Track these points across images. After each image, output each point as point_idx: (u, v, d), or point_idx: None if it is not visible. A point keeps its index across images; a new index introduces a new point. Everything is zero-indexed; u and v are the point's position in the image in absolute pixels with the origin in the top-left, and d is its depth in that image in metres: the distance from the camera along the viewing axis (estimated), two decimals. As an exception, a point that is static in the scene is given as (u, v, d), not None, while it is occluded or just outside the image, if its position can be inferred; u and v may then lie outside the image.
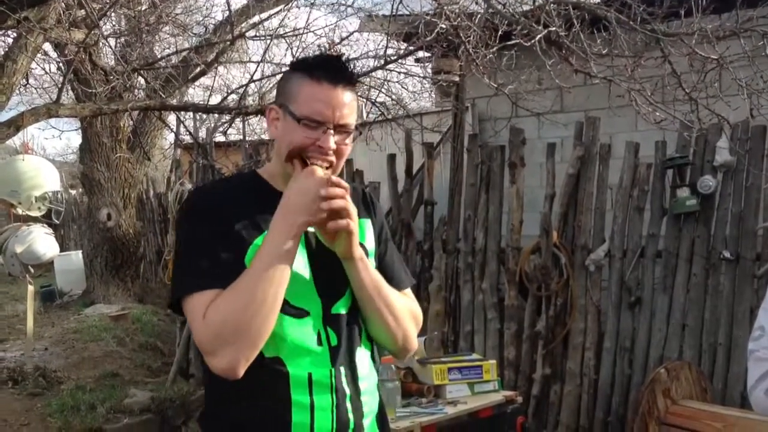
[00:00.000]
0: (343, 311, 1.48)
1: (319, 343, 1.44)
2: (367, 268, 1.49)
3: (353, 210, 1.42)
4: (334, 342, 1.46)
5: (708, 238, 4.27)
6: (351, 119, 1.47)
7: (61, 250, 9.62)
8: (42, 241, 7.30)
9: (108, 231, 7.82)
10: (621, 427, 4.38)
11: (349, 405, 1.45)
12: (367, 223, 1.59)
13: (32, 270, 7.20)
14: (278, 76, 6.16)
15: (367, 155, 6.69)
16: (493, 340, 4.97)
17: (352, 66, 1.53)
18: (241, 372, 1.34)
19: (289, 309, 1.41)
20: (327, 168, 1.43)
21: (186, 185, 6.36)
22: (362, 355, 1.51)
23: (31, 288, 6.49)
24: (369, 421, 1.50)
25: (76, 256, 9.37)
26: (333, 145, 1.43)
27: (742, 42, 3.31)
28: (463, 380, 3.40)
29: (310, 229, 1.47)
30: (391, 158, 5.74)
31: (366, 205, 1.61)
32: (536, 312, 4.77)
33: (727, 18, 3.48)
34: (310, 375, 1.42)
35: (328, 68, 1.46)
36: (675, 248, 4.37)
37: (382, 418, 1.57)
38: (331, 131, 1.43)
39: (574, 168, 4.71)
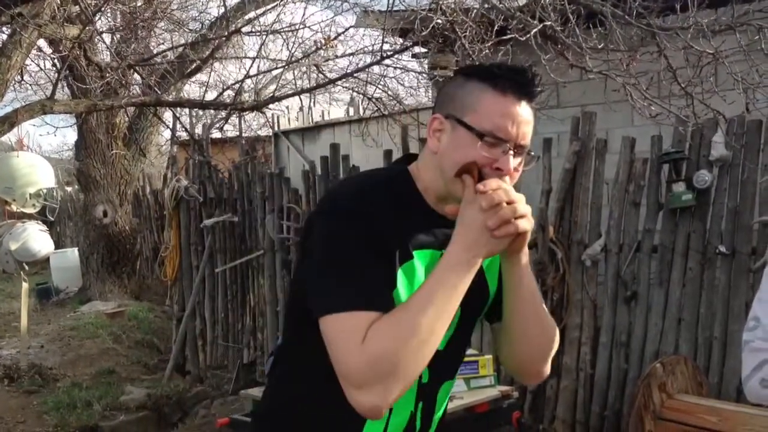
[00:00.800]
0: (441, 347, 1.30)
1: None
2: (530, 270, 1.34)
3: (527, 210, 1.24)
4: (425, 379, 1.34)
5: (704, 233, 4.28)
6: (528, 142, 1.30)
7: (57, 248, 9.61)
8: (37, 238, 7.30)
9: (104, 228, 7.82)
10: (617, 422, 4.38)
11: None
12: None
13: (27, 267, 7.20)
14: (274, 72, 6.16)
15: (364, 151, 6.69)
16: (489, 335, 4.98)
17: (538, 80, 1.33)
18: (383, 415, 1.20)
19: None
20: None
21: (182, 182, 6.35)
22: (444, 390, 1.42)
23: (25, 285, 6.48)
24: None
25: (72, 254, 9.36)
26: (512, 168, 1.27)
27: (737, 36, 3.31)
28: (459, 375, 3.40)
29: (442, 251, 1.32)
30: (388, 154, 5.73)
31: None
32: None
33: (722, 12, 3.48)
34: (390, 410, 1.30)
35: (515, 79, 1.28)
36: (671, 243, 4.37)
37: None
38: (512, 152, 1.27)
39: (571, 163, 4.71)
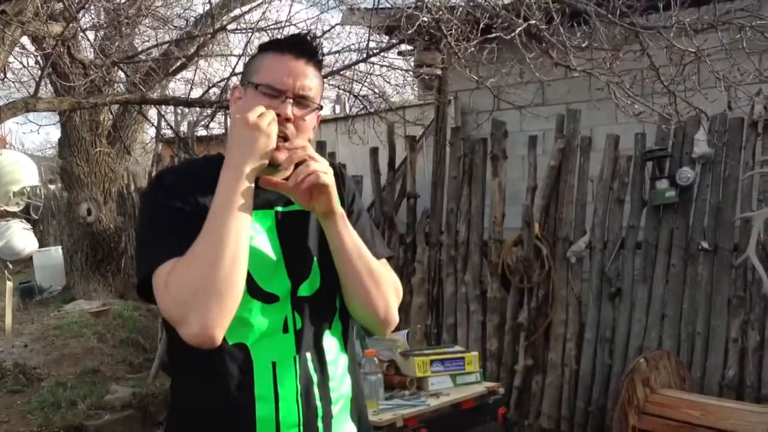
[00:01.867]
0: (307, 293, 1.42)
1: (285, 329, 1.39)
2: (348, 227, 1.41)
3: (321, 160, 1.35)
4: (299, 326, 1.40)
5: (686, 229, 4.33)
6: (313, 93, 1.43)
7: (41, 246, 9.52)
8: (20, 237, 7.23)
9: (88, 226, 7.76)
10: (601, 417, 4.43)
11: (316, 391, 1.41)
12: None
13: (11, 266, 7.13)
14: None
15: (350, 148, 6.69)
16: (475, 332, 5.00)
17: (319, 46, 1.47)
18: (218, 337, 1.26)
19: (259, 294, 1.37)
20: (284, 141, 1.37)
21: (167, 179, 6.30)
22: (330, 339, 1.46)
23: (9, 284, 6.43)
24: (339, 407, 1.45)
25: (56, 252, 9.28)
26: (290, 114, 1.38)
27: (719, 35, 3.35)
28: (446, 372, 3.42)
29: (279, 208, 1.44)
30: (374, 151, 5.74)
31: (335, 176, 1.48)
32: (518, 304, 4.81)
33: (705, 11, 3.51)
34: (274, 364, 1.37)
35: (293, 42, 1.44)
36: (654, 239, 4.42)
37: (357, 403, 1.52)
38: (290, 100, 1.39)
39: (556, 160, 4.74)
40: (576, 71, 3.56)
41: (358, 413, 1.52)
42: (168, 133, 7.62)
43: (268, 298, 1.38)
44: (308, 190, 1.35)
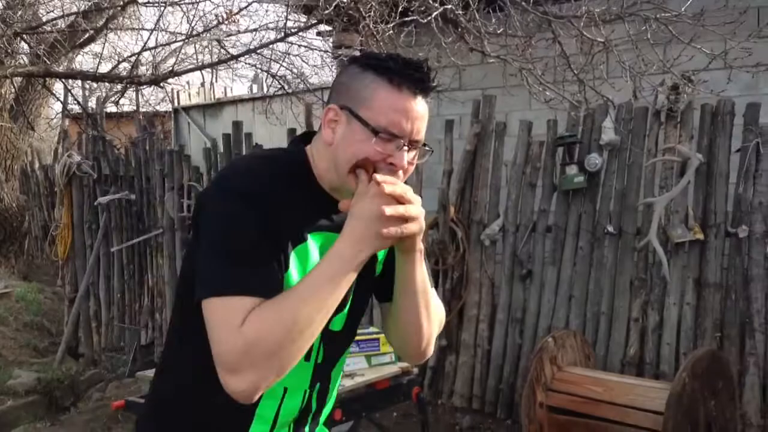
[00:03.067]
0: (337, 328, 1.36)
1: (308, 358, 1.33)
2: (422, 265, 1.33)
3: (419, 209, 1.26)
4: (320, 359, 1.36)
5: (594, 214, 4.49)
6: (422, 137, 1.31)
7: (-64, 226, 8.98)
8: None
9: (-12, 205, 7.37)
10: (511, 395, 4.57)
11: (310, 419, 1.41)
12: None
13: None
14: (173, 45, 5.96)
15: (267, 129, 6.60)
16: (390, 314, 5.05)
17: (434, 75, 1.32)
18: (256, 397, 1.18)
19: None
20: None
21: (74, 157, 6.07)
22: (338, 370, 1.44)
23: None
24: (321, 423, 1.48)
25: (-47, 232, 8.78)
26: (406, 164, 1.28)
27: (626, 26, 3.47)
28: (361, 353, 3.45)
29: None
30: (292, 132, 5.68)
31: None
32: (434, 285, 4.87)
33: (613, 2, 3.64)
34: (285, 390, 1.32)
35: (411, 74, 1.27)
36: (564, 223, 4.56)
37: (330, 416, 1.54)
38: (406, 147, 1.27)
39: (471, 145, 4.82)
40: (491, 57, 3.62)
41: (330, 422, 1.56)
42: (75, 108, 7.30)
43: None
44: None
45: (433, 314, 1.41)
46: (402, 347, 1.46)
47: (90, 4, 5.72)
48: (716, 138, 4.14)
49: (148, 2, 5.09)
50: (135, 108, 7.76)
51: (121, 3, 4.63)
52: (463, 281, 4.81)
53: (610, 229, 4.38)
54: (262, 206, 1.23)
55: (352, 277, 1.23)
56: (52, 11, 6.16)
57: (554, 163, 4.61)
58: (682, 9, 3.46)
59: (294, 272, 1.27)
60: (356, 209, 1.23)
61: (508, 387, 4.61)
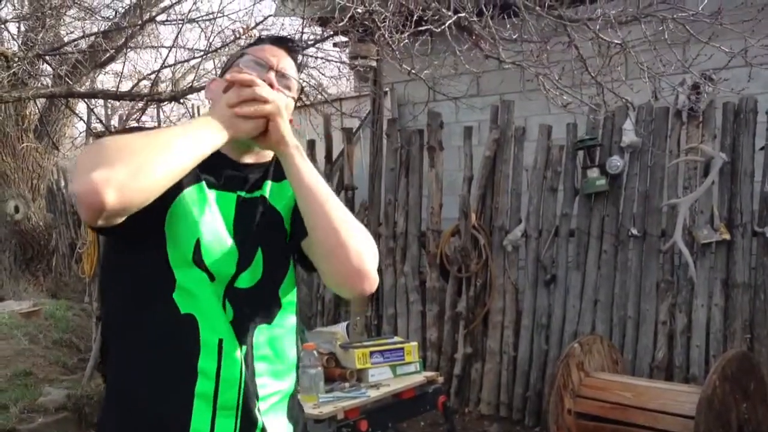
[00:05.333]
0: (246, 285, 1.37)
1: (223, 307, 1.35)
2: (306, 161, 1.35)
3: (268, 91, 1.32)
4: (231, 315, 1.36)
5: (617, 216, 4.45)
6: (292, 76, 1.44)
7: (-34, 246, 9.14)
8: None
9: (16, 224, 7.51)
10: (539, 401, 4.53)
11: (256, 382, 1.39)
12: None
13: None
14: (192, 62, 6.02)
15: (287, 141, 6.62)
16: (415, 323, 5.04)
17: (299, 45, 1.53)
18: (108, 200, 1.13)
19: (203, 266, 1.33)
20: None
21: (98, 175, 6.14)
22: (268, 334, 1.41)
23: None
24: (274, 402, 1.43)
25: (-17, 252, 8.93)
26: (276, 83, 1.38)
27: (643, 27, 3.45)
28: (385, 363, 3.44)
29: (242, 193, 1.40)
30: (311, 144, 5.71)
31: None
32: (457, 293, 4.86)
33: (629, 3, 3.61)
34: (221, 341, 1.33)
35: (274, 37, 1.50)
36: (586, 227, 4.53)
37: (293, 402, 1.49)
38: (274, 72, 1.40)
39: (491, 151, 4.81)
40: (506, 63, 3.61)
41: (294, 414, 1.49)
42: (98, 127, 7.41)
43: (210, 276, 1.34)
44: (260, 125, 1.32)
45: (348, 220, 1.35)
46: (334, 276, 1.38)
47: (110, 24, 5.81)
48: (739, 136, 4.09)
49: (167, 20, 5.15)
50: (156, 125, 7.85)
51: (140, 22, 4.69)
52: (487, 288, 4.79)
53: (634, 231, 4.34)
54: None
55: (199, 139, 1.26)
56: (73, 32, 6.27)
57: (575, 167, 4.59)
58: (700, 8, 3.42)
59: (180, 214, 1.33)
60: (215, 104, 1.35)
61: (536, 394, 4.57)
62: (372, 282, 1.35)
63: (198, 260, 1.32)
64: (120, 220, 1.21)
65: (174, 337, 1.33)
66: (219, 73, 1.55)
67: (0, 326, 6.59)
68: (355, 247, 1.32)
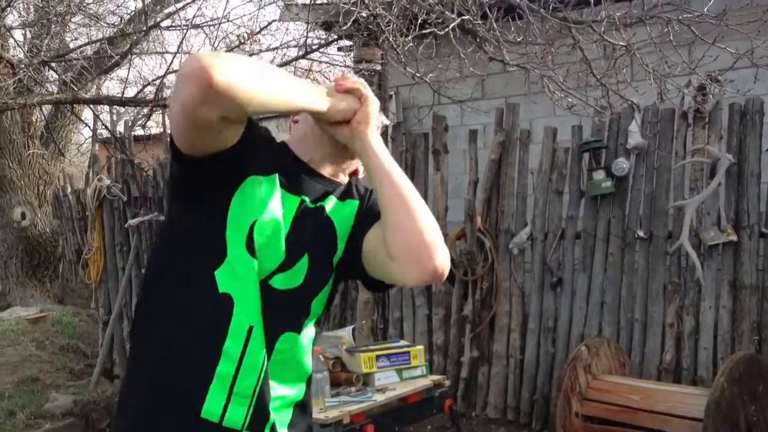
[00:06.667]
0: (280, 286, 1.37)
1: (257, 296, 1.36)
2: (385, 149, 1.41)
3: (367, 88, 1.40)
4: (264, 308, 1.37)
5: (623, 219, 4.43)
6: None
7: (-27, 253, 9.17)
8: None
9: (23, 230, 7.53)
10: (546, 405, 4.51)
11: (272, 381, 1.39)
12: (356, 204, 1.50)
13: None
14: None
15: (292, 146, 6.63)
16: (421, 326, 5.03)
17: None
18: (216, 74, 1.15)
19: (251, 250, 1.34)
20: None
21: (104, 181, 6.16)
22: (285, 342, 1.41)
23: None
24: (283, 408, 1.44)
25: (-10, 258, 8.96)
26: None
27: (648, 29, 3.44)
28: (392, 367, 3.44)
29: (307, 199, 1.42)
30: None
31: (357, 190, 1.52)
32: (463, 297, 4.85)
33: (633, 5, 3.61)
34: (251, 328, 1.33)
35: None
36: (593, 229, 4.51)
37: (306, 411, 1.50)
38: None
39: (496, 154, 4.80)
40: (511, 65, 3.60)
41: (295, 422, 1.47)
42: (104, 133, 7.43)
43: (254, 262, 1.35)
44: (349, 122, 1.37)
45: (418, 211, 1.38)
46: (410, 257, 1.36)
47: (115, 30, 5.83)
48: (746, 137, 4.07)
49: (171, 26, 5.18)
50: (162, 130, 7.87)
51: (145, 28, 4.71)
52: (493, 291, 4.78)
53: (641, 233, 4.32)
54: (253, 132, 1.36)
55: (307, 96, 1.31)
56: (78, 39, 6.30)
57: (580, 169, 4.57)
58: (705, 9, 3.41)
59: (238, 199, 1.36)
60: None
61: (543, 397, 4.55)
62: (447, 268, 1.38)
63: (249, 243, 1.34)
64: (215, 124, 1.22)
65: (206, 314, 1.33)
66: None
67: (7, 332, 6.61)
68: (435, 235, 1.37)
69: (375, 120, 1.39)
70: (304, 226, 1.41)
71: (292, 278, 1.39)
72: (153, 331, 1.38)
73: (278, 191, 1.38)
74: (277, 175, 1.38)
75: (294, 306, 1.41)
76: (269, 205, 1.36)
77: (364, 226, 1.44)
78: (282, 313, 1.39)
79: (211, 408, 1.32)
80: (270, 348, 1.38)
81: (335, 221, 1.46)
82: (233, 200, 1.34)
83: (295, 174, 1.42)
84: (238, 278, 1.33)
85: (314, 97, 1.32)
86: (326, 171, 1.46)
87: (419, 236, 1.35)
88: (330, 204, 1.45)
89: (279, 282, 1.38)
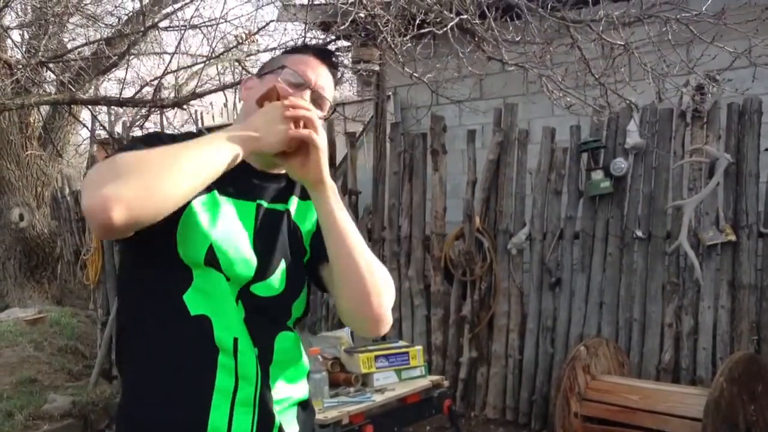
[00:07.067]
0: (262, 293, 1.36)
1: (236, 302, 1.34)
2: (340, 202, 1.34)
3: (319, 124, 1.30)
4: (243, 313, 1.36)
5: (621, 218, 4.43)
6: (327, 97, 1.42)
7: (-29, 254, 9.16)
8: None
9: (21, 232, 7.51)
10: (545, 405, 4.50)
11: (271, 384, 1.38)
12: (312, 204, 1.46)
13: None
14: (195, 68, 6.03)
15: (290, 146, 6.62)
16: (420, 327, 5.03)
17: (339, 62, 1.50)
18: (115, 214, 1.13)
19: (216, 267, 1.32)
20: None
21: (102, 182, 6.14)
22: (283, 342, 1.41)
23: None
24: (287, 408, 1.43)
25: (-13, 260, 8.94)
26: (308, 101, 1.34)
27: (646, 28, 3.44)
28: (390, 367, 3.43)
29: (263, 203, 1.39)
30: (314, 149, 5.68)
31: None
32: (462, 297, 4.85)
33: (631, 5, 3.60)
34: (236, 340, 1.32)
35: (317, 49, 1.47)
36: (591, 229, 4.51)
37: (307, 410, 1.50)
38: (309, 92, 1.37)
39: (494, 154, 4.80)
40: (509, 65, 3.60)
41: (301, 419, 1.48)
42: (102, 134, 7.42)
43: (225, 277, 1.33)
44: (302, 157, 1.29)
45: (374, 267, 1.37)
46: (352, 314, 1.39)
47: (113, 30, 5.82)
48: (744, 137, 4.07)
49: (169, 27, 5.17)
50: (160, 131, 7.86)
51: (143, 28, 4.70)
52: (492, 291, 4.78)
53: (639, 233, 4.32)
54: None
55: (236, 151, 1.24)
56: (75, 39, 6.29)
57: (579, 169, 4.57)
58: (703, 8, 3.41)
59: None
60: (259, 111, 1.31)
61: (542, 397, 4.55)
62: (387, 326, 1.38)
63: (213, 262, 1.32)
64: (131, 233, 1.21)
65: (187, 340, 1.32)
66: (257, 72, 1.52)
67: (5, 333, 6.60)
68: (378, 295, 1.35)
69: (326, 167, 1.32)
70: (271, 230, 1.40)
71: (273, 286, 1.38)
72: (142, 364, 1.37)
73: (226, 204, 1.36)
74: (214, 189, 1.33)
75: (278, 310, 1.41)
76: (217, 226, 1.33)
77: (322, 250, 1.40)
78: (268, 318, 1.39)
79: (216, 422, 1.32)
80: (265, 352, 1.37)
81: (300, 225, 1.45)
82: (177, 236, 1.31)
83: (243, 179, 1.38)
84: (210, 297, 1.32)
85: (226, 154, 1.24)
86: (277, 168, 1.41)
87: (368, 307, 1.35)
88: (293, 206, 1.44)
89: (261, 289, 1.37)
